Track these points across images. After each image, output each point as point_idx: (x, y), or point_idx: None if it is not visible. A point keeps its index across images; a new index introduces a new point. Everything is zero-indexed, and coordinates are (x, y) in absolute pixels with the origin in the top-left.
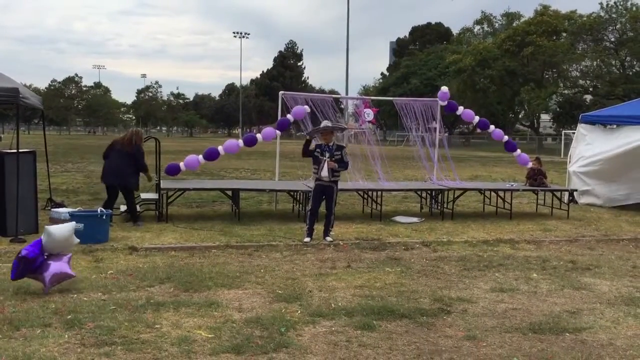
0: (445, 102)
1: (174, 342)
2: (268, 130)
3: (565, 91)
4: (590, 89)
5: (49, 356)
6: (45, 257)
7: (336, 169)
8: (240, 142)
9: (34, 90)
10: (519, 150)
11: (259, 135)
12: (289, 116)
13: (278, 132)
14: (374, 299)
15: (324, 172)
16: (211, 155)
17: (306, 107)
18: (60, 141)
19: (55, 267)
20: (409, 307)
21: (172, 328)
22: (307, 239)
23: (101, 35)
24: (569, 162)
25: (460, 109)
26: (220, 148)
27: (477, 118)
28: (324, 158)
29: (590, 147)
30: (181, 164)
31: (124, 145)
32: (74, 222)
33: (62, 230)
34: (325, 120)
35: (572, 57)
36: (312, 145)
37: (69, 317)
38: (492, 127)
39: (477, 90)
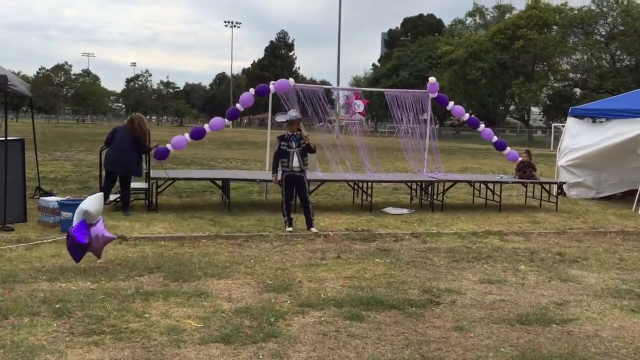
0: (435, 94)
1: (163, 332)
2: (244, 95)
3: (556, 84)
4: (580, 83)
5: (37, 345)
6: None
7: (310, 144)
8: (226, 120)
9: (22, 77)
10: (508, 148)
11: (238, 105)
12: (238, 106)
13: (252, 91)
14: (363, 289)
15: (295, 163)
16: (198, 134)
17: (291, 80)
18: (49, 129)
19: (97, 233)
20: (397, 298)
21: (161, 317)
22: (289, 229)
23: (91, 22)
24: (558, 155)
25: (451, 104)
26: (206, 126)
27: (467, 115)
28: (293, 150)
29: (579, 140)
30: (168, 145)
31: (130, 131)
32: (100, 193)
33: (94, 202)
34: (292, 110)
35: (563, 50)
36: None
37: (58, 306)
38: (482, 125)
39: (469, 81)
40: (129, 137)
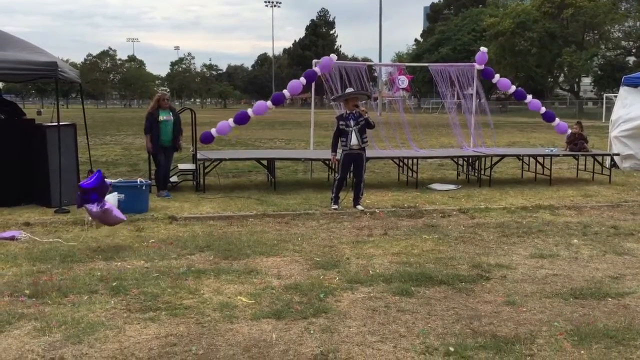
0: (482, 66)
1: (215, 308)
2: (293, 83)
3: (607, 53)
4: (634, 50)
5: (96, 321)
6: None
7: (370, 120)
8: (269, 102)
9: (71, 64)
10: (557, 120)
11: (285, 91)
12: (285, 92)
13: (303, 80)
14: (411, 265)
15: (354, 141)
16: (241, 119)
17: (333, 55)
18: (98, 114)
19: (109, 207)
20: (447, 274)
21: (213, 294)
22: (335, 206)
23: (135, 8)
24: (611, 126)
25: (497, 76)
26: (249, 111)
27: (513, 87)
28: (351, 128)
29: (632, 110)
30: (213, 130)
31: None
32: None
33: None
34: (349, 88)
35: (614, 17)
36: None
37: (114, 284)
38: (529, 97)
39: (517, 52)
40: None
